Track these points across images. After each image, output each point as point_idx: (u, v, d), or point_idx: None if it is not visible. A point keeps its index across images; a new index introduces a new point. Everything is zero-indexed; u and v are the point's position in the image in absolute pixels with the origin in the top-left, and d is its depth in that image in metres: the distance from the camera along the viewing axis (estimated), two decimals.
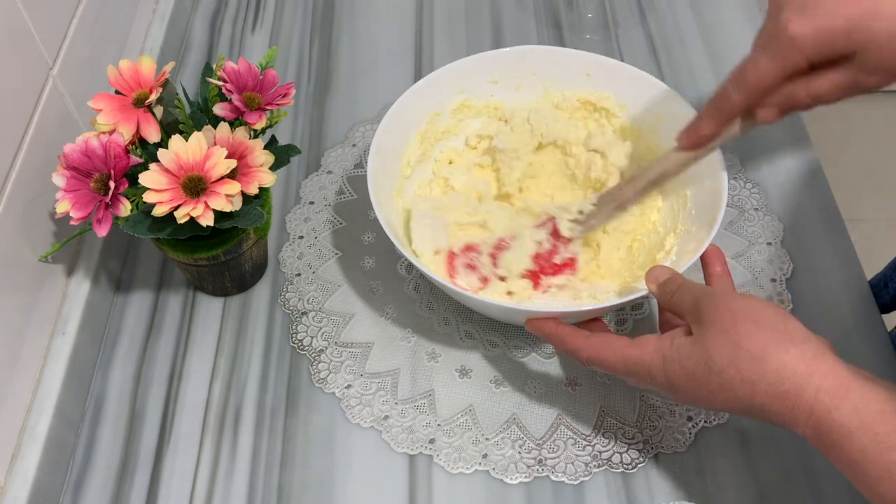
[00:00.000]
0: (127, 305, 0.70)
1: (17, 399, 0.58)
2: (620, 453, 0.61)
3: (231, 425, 0.64)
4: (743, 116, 0.57)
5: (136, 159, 0.58)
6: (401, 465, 0.61)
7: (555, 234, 0.67)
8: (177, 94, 0.61)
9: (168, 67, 0.60)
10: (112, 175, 0.56)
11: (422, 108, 0.70)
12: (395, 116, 0.67)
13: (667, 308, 0.55)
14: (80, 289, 0.65)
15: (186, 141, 0.57)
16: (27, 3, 0.59)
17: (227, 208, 0.56)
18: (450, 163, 0.74)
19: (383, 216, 0.61)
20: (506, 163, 0.72)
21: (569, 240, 0.67)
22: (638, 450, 0.62)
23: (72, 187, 0.56)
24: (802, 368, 0.46)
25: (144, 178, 0.55)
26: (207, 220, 0.56)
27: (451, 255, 0.68)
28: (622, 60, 0.72)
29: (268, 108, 0.61)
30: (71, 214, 0.55)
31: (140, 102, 0.59)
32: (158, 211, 0.54)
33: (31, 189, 0.60)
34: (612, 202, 0.65)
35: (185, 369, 0.66)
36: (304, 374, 0.66)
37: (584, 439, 0.62)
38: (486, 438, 0.62)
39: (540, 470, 0.61)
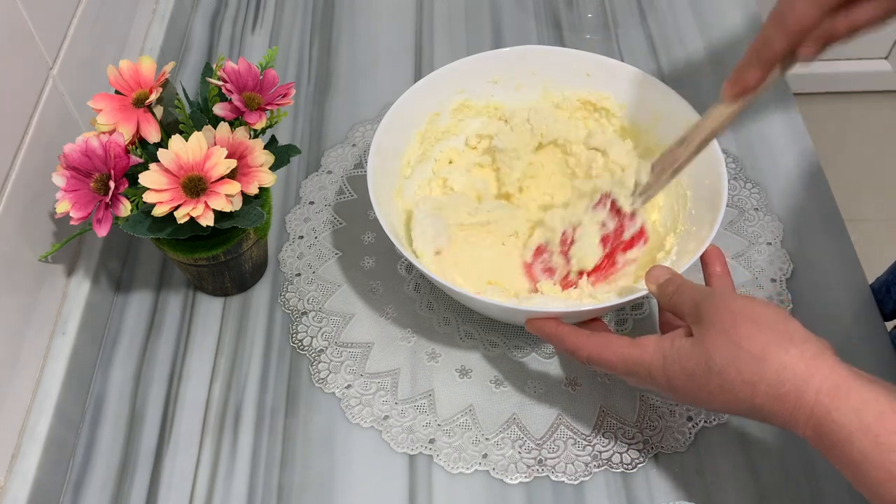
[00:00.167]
0: (127, 305, 0.70)
1: (17, 399, 0.58)
2: (620, 453, 0.61)
3: (231, 425, 0.64)
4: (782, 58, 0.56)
5: (136, 159, 0.58)
6: (401, 465, 0.61)
7: (615, 211, 0.64)
8: (177, 94, 0.61)
9: (168, 67, 0.60)
10: (112, 175, 0.56)
11: (422, 108, 0.70)
12: (395, 116, 0.67)
13: (667, 308, 0.55)
14: (80, 289, 0.65)
15: (186, 141, 0.57)
16: (27, 3, 0.59)
17: (227, 208, 0.56)
18: (450, 163, 0.74)
19: (383, 216, 0.61)
20: (506, 162, 0.72)
21: (632, 214, 0.64)
22: (638, 450, 0.62)
23: (72, 187, 0.56)
24: (802, 369, 0.46)
25: (144, 178, 0.55)
26: (207, 220, 0.56)
27: (527, 266, 0.68)
28: (622, 60, 0.72)
29: (268, 108, 0.61)
30: (71, 214, 0.55)
31: (140, 102, 0.59)
32: (158, 211, 0.54)
33: (31, 189, 0.60)
34: (669, 167, 0.62)
35: (185, 369, 0.66)
36: (304, 374, 0.66)
37: (584, 439, 0.62)
38: (486, 438, 0.62)
39: (540, 470, 0.61)
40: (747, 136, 0.80)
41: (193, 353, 0.67)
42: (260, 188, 0.58)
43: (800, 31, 0.53)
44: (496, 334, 0.68)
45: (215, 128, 0.59)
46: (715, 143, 0.63)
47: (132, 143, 0.59)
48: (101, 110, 0.58)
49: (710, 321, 0.49)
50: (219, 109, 0.60)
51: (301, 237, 0.74)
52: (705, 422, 0.63)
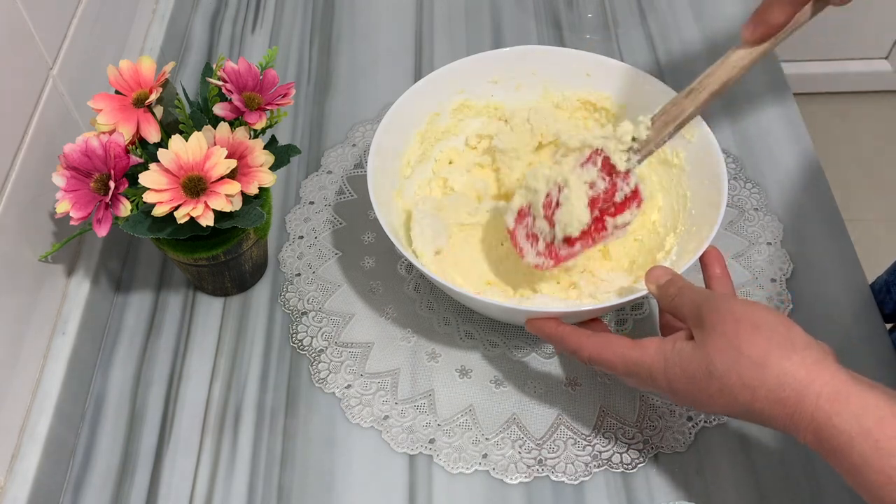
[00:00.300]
0: (127, 305, 0.70)
1: (17, 399, 0.58)
2: (620, 453, 0.61)
3: (231, 425, 0.64)
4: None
5: (136, 159, 0.58)
6: (401, 465, 0.61)
7: (607, 169, 0.59)
8: (177, 94, 0.61)
9: (168, 67, 0.60)
10: (112, 175, 0.56)
11: (422, 108, 0.70)
12: (395, 116, 0.67)
13: (667, 310, 0.55)
14: (80, 289, 0.65)
15: (186, 141, 0.57)
16: (27, 3, 0.59)
17: (227, 208, 0.56)
18: (450, 163, 0.74)
19: (383, 216, 0.61)
20: (506, 163, 0.72)
21: (626, 173, 0.58)
22: (638, 450, 0.62)
23: (72, 187, 0.56)
24: (803, 375, 0.46)
25: (144, 178, 0.55)
26: (207, 220, 0.56)
27: (511, 233, 0.63)
28: (622, 60, 0.72)
29: (268, 108, 0.61)
30: (71, 214, 0.55)
31: (140, 102, 0.59)
32: (158, 211, 0.54)
33: (31, 189, 0.60)
34: (673, 121, 0.58)
35: (185, 369, 0.66)
36: (304, 374, 0.66)
37: (584, 439, 0.62)
38: (486, 438, 0.62)
39: (540, 470, 0.61)
40: (747, 136, 0.80)
41: (193, 353, 0.67)
42: (260, 188, 0.58)
43: None
44: (496, 334, 0.68)
45: (215, 128, 0.59)
46: (715, 143, 0.63)
47: (132, 143, 0.59)
48: (101, 110, 0.58)
49: (712, 325, 0.49)
50: (219, 109, 0.60)
51: (301, 237, 0.74)
52: (705, 422, 0.63)
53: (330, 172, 0.78)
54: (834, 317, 0.68)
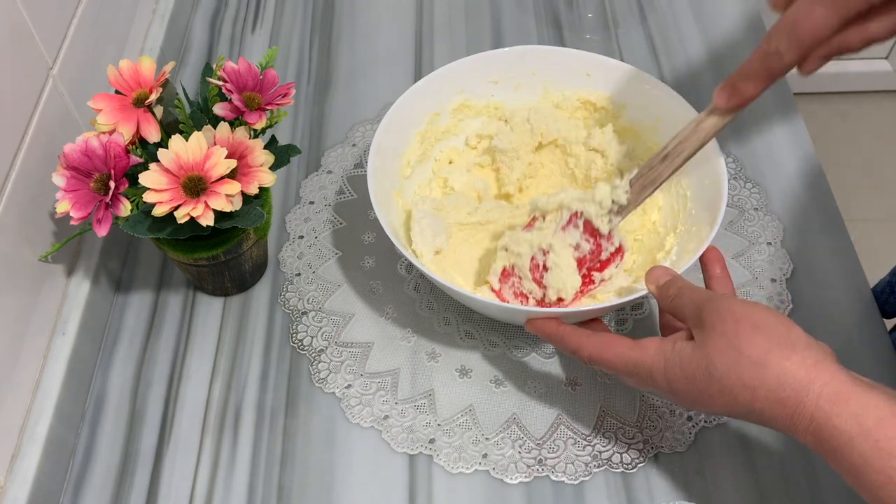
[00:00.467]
0: (127, 305, 0.70)
1: (17, 399, 0.58)
2: (620, 453, 0.61)
3: (231, 425, 0.64)
4: None
5: (136, 159, 0.58)
6: (401, 465, 0.61)
7: (589, 230, 0.60)
8: (177, 94, 0.61)
9: (168, 67, 0.60)
10: (112, 175, 0.56)
11: (422, 108, 0.70)
12: (395, 116, 0.67)
13: (667, 310, 0.55)
14: (80, 289, 0.65)
15: (186, 141, 0.57)
16: (27, 3, 0.59)
17: (227, 208, 0.56)
18: (450, 163, 0.74)
19: (383, 216, 0.61)
20: (506, 163, 0.72)
21: (609, 233, 0.60)
22: (638, 450, 0.62)
23: (72, 187, 0.56)
24: (803, 375, 0.46)
25: (144, 178, 0.55)
26: (207, 220, 0.56)
27: (496, 293, 0.64)
28: (622, 60, 0.72)
29: (268, 108, 0.61)
30: (71, 214, 0.55)
31: (140, 102, 0.59)
32: (158, 211, 0.54)
33: (31, 189, 0.60)
34: (650, 185, 0.59)
35: (185, 369, 0.66)
36: (304, 374, 0.66)
37: (584, 439, 0.62)
38: (486, 438, 0.62)
39: (540, 470, 0.61)
40: (747, 136, 0.80)
41: (193, 353, 0.67)
42: (260, 188, 0.58)
43: (813, 43, 0.50)
44: (496, 334, 0.68)
45: (215, 128, 0.59)
46: (715, 143, 0.63)
47: (132, 143, 0.59)
48: (101, 110, 0.58)
49: (712, 325, 0.49)
50: (219, 109, 0.60)
51: (301, 237, 0.74)
52: (705, 422, 0.63)
53: (330, 172, 0.78)
54: (834, 317, 0.68)
